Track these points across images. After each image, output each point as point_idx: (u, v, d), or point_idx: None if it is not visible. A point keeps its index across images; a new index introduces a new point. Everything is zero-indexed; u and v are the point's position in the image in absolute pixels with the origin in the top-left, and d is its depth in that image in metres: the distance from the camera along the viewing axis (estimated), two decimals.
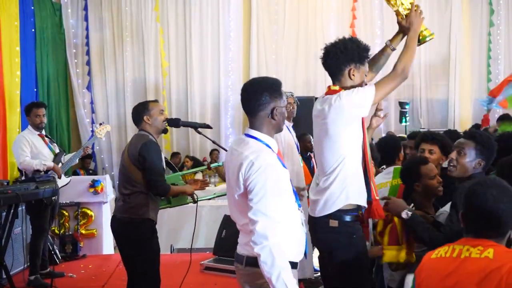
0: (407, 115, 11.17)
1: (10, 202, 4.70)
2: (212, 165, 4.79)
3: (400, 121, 11.29)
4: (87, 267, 6.39)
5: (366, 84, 3.10)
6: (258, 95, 2.58)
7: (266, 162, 2.48)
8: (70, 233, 6.96)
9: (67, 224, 7.03)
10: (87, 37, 11.78)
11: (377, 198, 3.12)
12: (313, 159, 7.17)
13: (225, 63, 12.12)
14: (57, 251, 6.45)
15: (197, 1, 11.99)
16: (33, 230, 5.66)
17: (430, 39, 3.30)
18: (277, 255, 2.38)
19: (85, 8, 11.73)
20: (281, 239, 2.42)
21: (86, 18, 11.74)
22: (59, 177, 5.84)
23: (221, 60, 12.08)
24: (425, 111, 12.53)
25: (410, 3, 3.22)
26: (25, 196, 4.76)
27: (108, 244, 7.35)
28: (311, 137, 7.27)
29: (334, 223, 3.03)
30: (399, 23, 3.28)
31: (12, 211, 4.85)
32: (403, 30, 3.27)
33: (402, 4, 3.21)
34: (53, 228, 6.65)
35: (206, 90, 12.13)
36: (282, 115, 2.62)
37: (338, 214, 3.02)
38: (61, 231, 6.88)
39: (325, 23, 12.25)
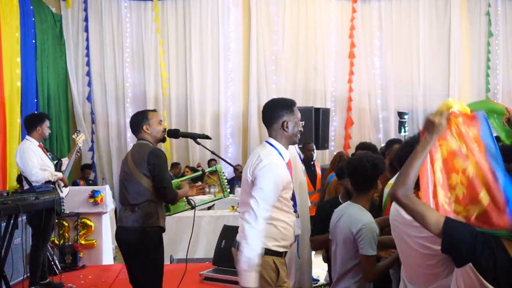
0: (406, 125, 11.19)
1: (10, 213, 4.68)
2: (207, 170, 4.78)
3: (399, 131, 11.31)
4: (87, 278, 6.38)
5: None
6: (273, 109, 3.12)
7: (272, 161, 2.97)
8: (70, 243, 6.94)
9: (66, 234, 7.00)
10: (87, 48, 11.85)
11: None
12: (316, 168, 7.21)
13: (225, 74, 12.18)
14: (56, 261, 6.42)
15: (197, 12, 12.07)
16: (34, 240, 5.63)
17: None
18: (251, 236, 2.90)
19: (86, 19, 11.80)
20: (262, 227, 2.90)
21: (86, 29, 11.82)
22: (65, 186, 5.87)
23: (221, 71, 12.15)
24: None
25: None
26: (25, 207, 4.75)
27: (107, 255, 7.33)
28: (313, 146, 7.34)
29: None
30: None
31: (12, 221, 4.84)
32: None
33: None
34: (53, 238, 6.64)
35: (206, 101, 12.18)
36: (292, 128, 3.09)
37: None
38: (61, 242, 6.85)
39: (324, 34, 12.32)
